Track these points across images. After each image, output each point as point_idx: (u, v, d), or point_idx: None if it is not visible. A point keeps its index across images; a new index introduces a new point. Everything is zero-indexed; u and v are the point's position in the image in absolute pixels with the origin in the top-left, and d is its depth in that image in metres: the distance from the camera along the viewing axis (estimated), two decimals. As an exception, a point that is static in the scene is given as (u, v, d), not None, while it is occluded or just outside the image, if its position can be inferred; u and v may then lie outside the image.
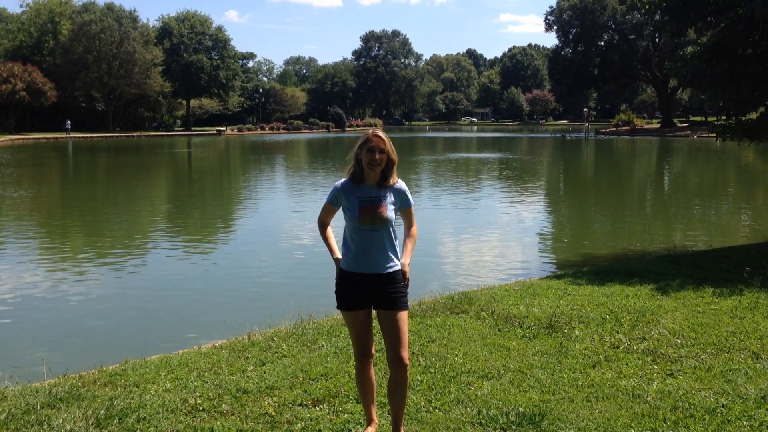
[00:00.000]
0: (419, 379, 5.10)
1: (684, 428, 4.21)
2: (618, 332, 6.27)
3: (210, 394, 4.89)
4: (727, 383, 4.96)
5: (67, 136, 70.80)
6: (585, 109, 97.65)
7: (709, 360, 5.48)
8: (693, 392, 4.79)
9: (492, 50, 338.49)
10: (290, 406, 4.67)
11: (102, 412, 4.50)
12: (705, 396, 4.72)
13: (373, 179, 4.03)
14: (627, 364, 5.44)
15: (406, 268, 4.12)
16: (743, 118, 13.59)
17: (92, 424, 4.33)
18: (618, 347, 5.85)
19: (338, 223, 4.12)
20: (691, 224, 17.68)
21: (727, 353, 5.65)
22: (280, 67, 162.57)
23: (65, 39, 79.15)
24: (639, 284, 8.44)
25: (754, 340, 5.96)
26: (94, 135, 73.80)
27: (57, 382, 5.27)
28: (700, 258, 10.59)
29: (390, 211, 4.02)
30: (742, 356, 5.57)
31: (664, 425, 4.25)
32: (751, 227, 16.91)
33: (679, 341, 5.97)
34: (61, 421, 4.37)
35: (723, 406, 4.52)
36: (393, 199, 4.07)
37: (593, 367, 5.36)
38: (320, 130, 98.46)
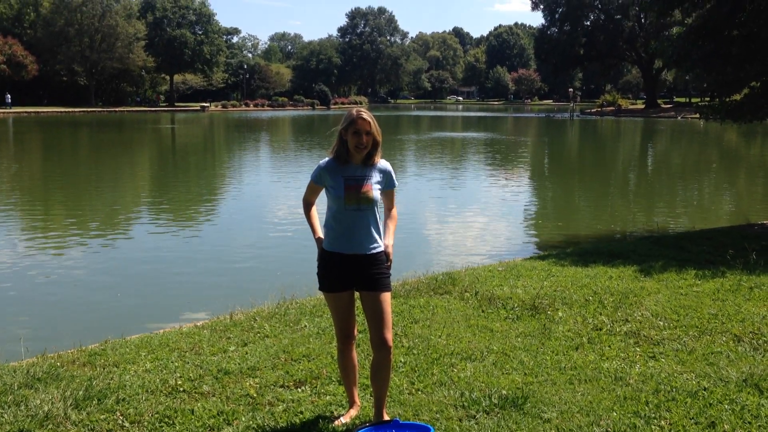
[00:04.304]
0: (402, 360, 5.07)
1: (666, 411, 4.21)
2: (601, 314, 6.28)
3: (191, 374, 4.84)
4: (708, 366, 4.97)
5: (8, 111, 65.19)
6: (570, 89, 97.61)
7: (691, 343, 5.49)
8: (675, 375, 4.79)
9: (478, 29, 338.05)
10: (272, 387, 4.63)
11: (81, 392, 4.44)
12: (687, 379, 4.72)
13: (359, 159, 3.97)
14: (610, 346, 5.44)
15: (390, 249, 4.07)
16: (727, 99, 13.63)
17: (70, 405, 4.27)
18: (601, 329, 5.85)
19: (323, 203, 4.06)
20: (674, 205, 17.76)
21: (709, 336, 5.66)
22: (265, 43, 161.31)
23: (46, 11, 77.92)
24: (622, 265, 8.45)
25: (735, 323, 5.98)
26: (75, 110, 72.87)
27: (35, 361, 5.19)
28: (683, 239, 10.63)
29: (375, 191, 3.97)
30: (724, 339, 5.58)
31: (647, 408, 4.25)
32: (732, 209, 17.02)
33: (661, 323, 5.98)
34: (38, 401, 4.30)
35: (705, 390, 4.52)
36: (379, 179, 4.01)
37: (576, 350, 5.36)
38: (305, 108, 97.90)
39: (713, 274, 7.90)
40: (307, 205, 4.22)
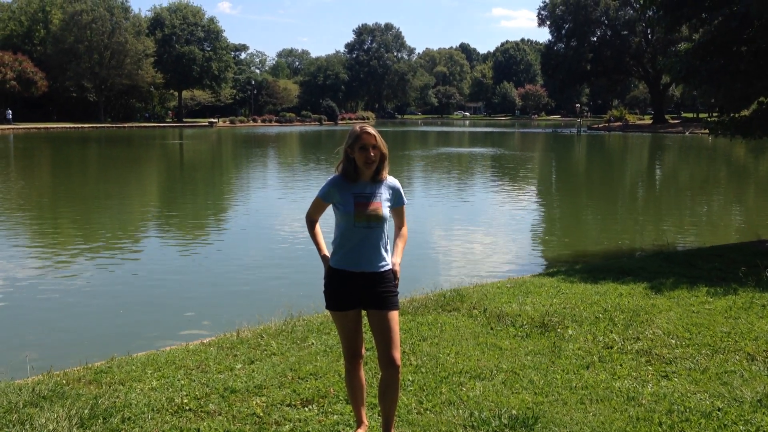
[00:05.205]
0: (410, 379, 5.01)
1: (680, 432, 4.13)
2: (612, 332, 6.20)
3: (197, 393, 4.79)
4: (722, 386, 4.89)
5: (9, 127, 64.04)
6: (577, 105, 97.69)
7: (704, 361, 5.41)
8: (688, 395, 4.71)
9: (485, 45, 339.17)
10: (279, 406, 4.57)
11: (86, 411, 4.40)
12: (700, 399, 4.64)
13: (368, 176, 3.93)
14: (621, 365, 5.36)
15: (397, 267, 4.02)
16: (736, 115, 13.56)
17: (75, 424, 4.22)
18: (612, 347, 5.78)
19: (327, 221, 4.02)
20: (683, 221, 17.65)
21: (722, 354, 5.58)
22: (273, 59, 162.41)
23: (56, 28, 78.50)
24: (632, 282, 8.37)
25: (749, 342, 5.89)
26: (85, 125, 73.28)
27: (41, 379, 5.15)
28: (694, 256, 10.54)
29: (385, 208, 3.93)
30: (738, 358, 5.50)
31: (660, 429, 4.17)
32: (742, 225, 16.91)
33: (673, 342, 5.90)
34: (44, 420, 4.26)
35: (719, 410, 4.44)
36: (388, 196, 3.97)
37: (587, 368, 5.28)
38: (312, 123, 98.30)
39: (725, 291, 7.81)
40: (311, 222, 4.17)
